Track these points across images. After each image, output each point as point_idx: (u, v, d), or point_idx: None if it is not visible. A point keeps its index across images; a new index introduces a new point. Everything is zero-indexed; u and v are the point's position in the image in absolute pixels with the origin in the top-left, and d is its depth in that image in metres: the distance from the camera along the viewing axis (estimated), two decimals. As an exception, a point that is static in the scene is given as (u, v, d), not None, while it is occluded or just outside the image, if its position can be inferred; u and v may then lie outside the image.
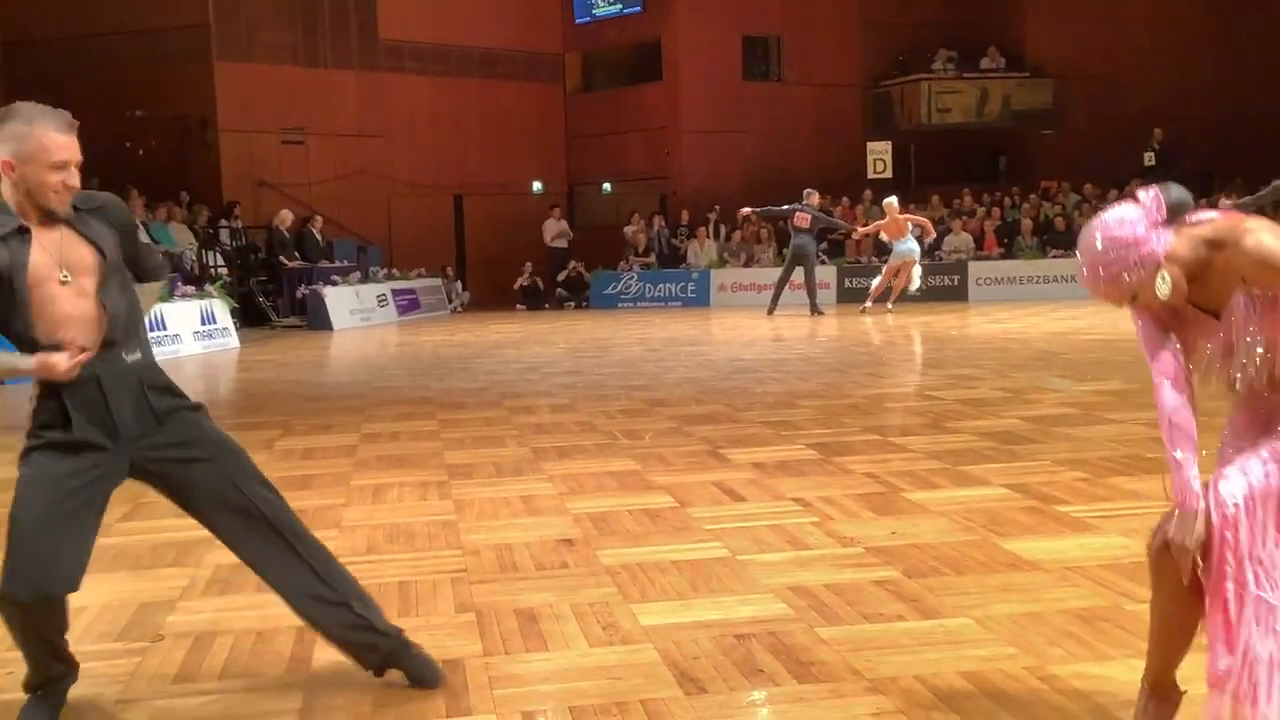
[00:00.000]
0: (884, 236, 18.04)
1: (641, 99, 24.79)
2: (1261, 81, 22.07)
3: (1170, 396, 2.57)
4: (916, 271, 17.73)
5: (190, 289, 15.59)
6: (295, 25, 22.11)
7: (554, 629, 3.69)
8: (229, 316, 16.09)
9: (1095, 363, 10.50)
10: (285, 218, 19.36)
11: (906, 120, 24.62)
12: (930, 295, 19.97)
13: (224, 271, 18.61)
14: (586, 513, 5.24)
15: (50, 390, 2.97)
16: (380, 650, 3.23)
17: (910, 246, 17.52)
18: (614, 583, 4.16)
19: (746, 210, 19.12)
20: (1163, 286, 2.49)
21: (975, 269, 20.95)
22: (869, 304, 17.83)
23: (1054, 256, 20.79)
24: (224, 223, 19.80)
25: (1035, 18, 24.27)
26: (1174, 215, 2.51)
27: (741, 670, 3.28)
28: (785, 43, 24.91)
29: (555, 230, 23.40)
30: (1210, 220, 2.53)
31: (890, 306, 17.92)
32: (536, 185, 25.05)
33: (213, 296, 15.80)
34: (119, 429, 3.00)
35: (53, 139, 2.90)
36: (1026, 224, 21.51)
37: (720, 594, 4.00)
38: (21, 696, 3.14)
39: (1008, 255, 21.25)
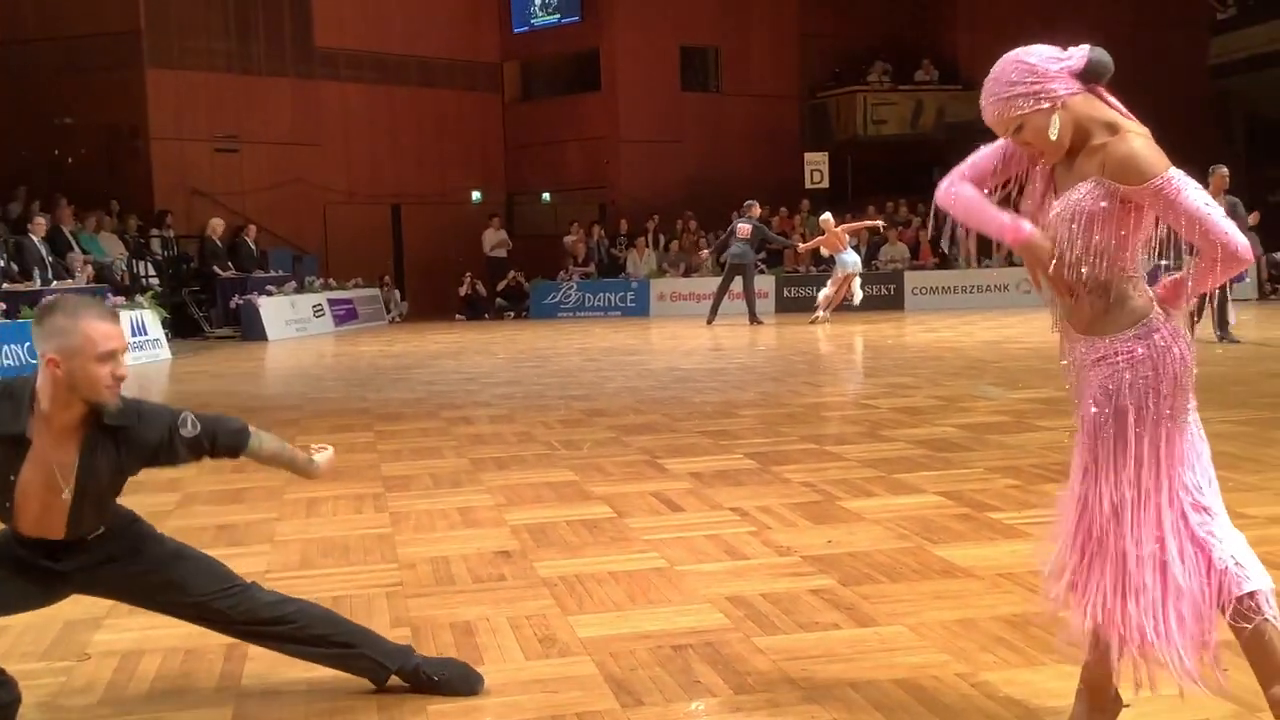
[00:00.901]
0: (824, 251, 18.19)
1: (580, 109, 24.81)
2: (1190, 91, 22.54)
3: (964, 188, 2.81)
4: (857, 283, 17.91)
5: (120, 299, 15.30)
6: (229, 32, 21.83)
7: (490, 642, 3.67)
8: (160, 327, 15.82)
9: (1027, 371, 10.66)
10: (217, 226, 19.10)
11: (843, 131, 24.89)
12: (867, 304, 20.09)
13: (155, 281, 18.30)
14: (524, 524, 5.22)
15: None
16: (383, 678, 3.25)
17: (851, 259, 17.70)
18: (551, 595, 4.14)
19: (705, 253, 19.71)
20: (1053, 128, 2.55)
21: (911, 278, 21.20)
22: (822, 313, 17.85)
23: (987, 266, 21.08)
24: (155, 232, 19.49)
25: (967, 30, 24.63)
26: (1090, 74, 2.59)
27: (678, 681, 3.28)
28: (723, 54, 25.08)
29: (494, 240, 23.31)
30: (1118, 108, 2.60)
31: (825, 315, 18.06)
32: (475, 195, 24.95)
33: (143, 307, 15.53)
34: (69, 581, 3.10)
35: (98, 329, 2.83)
36: (961, 234, 21.75)
37: (658, 605, 4.00)
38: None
39: (942, 265, 21.52)
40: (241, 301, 18.22)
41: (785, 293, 21.13)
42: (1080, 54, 2.60)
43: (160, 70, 20.75)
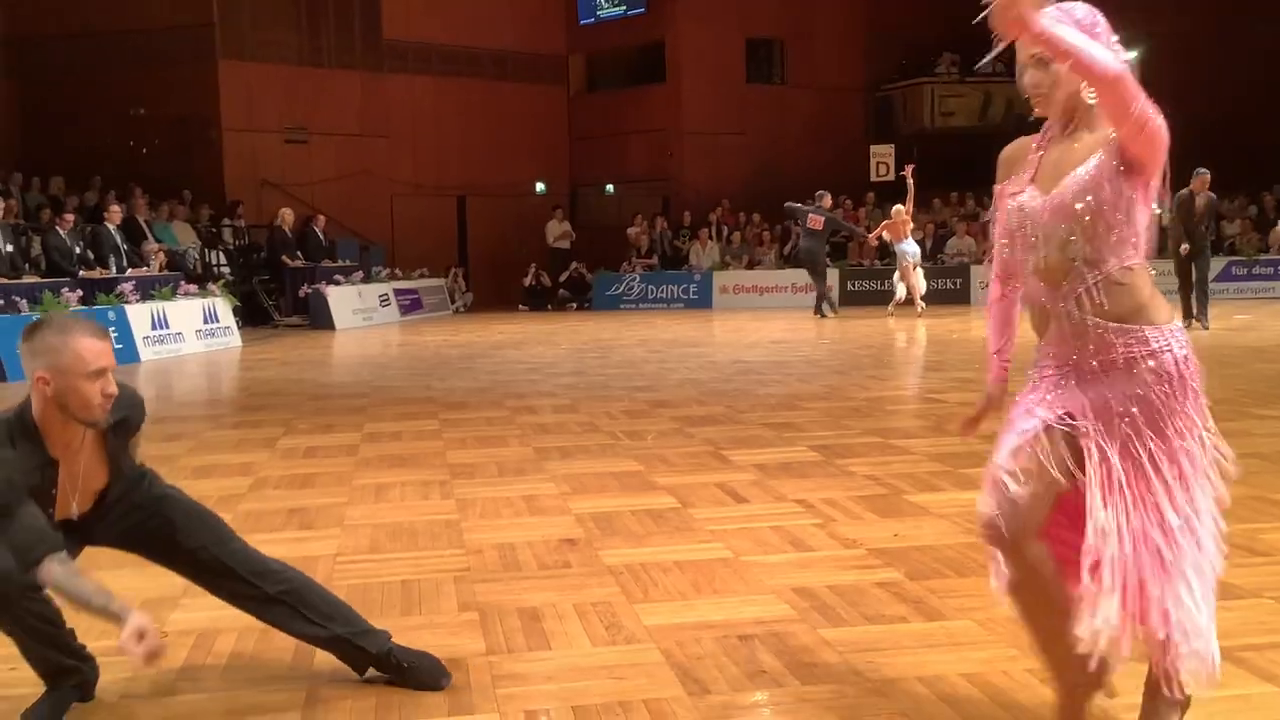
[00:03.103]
0: (886, 236, 18.04)
1: (644, 101, 24.80)
2: (1263, 81, 22.04)
3: None
4: (920, 274, 17.75)
5: (193, 288, 15.61)
6: (299, 24, 22.12)
7: (557, 628, 3.70)
8: (231, 315, 16.10)
9: (1097, 367, 10.49)
10: (287, 217, 19.37)
11: (909, 123, 24.65)
12: (933, 298, 19.91)
13: (226, 270, 18.62)
14: (589, 513, 5.24)
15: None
16: (366, 663, 3.27)
17: (911, 249, 17.54)
18: (616, 583, 4.16)
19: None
20: (1091, 92, 2.50)
21: (978, 272, 20.93)
22: (920, 304, 17.71)
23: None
24: (227, 221, 19.82)
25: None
26: None
27: (744, 671, 3.29)
28: (788, 45, 24.93)
29: (558, 231, 23.41)
30: None
31: (891, 310, 17.91)
32: (539, 186, 25.06)
33: (215, 295, 15.81)
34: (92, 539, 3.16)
35: (87, 346, 2.87)
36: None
37: (723, 595, 4.01)
38: (25, 691, 3.15)
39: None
40: (310, 291, 18.47)
41: (850, 286, 20.98)
42: (1127, 54, 2.54)
43: (232, 62, 21.08)
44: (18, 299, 12.45)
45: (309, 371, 12.57)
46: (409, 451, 7.01)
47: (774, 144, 23.86)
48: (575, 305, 22.68)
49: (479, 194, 24.38)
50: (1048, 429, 2.61)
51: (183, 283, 15.50)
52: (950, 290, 20.68)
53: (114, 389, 2.92)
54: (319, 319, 18.23)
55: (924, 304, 17.81)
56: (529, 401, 9.17)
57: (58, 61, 20.13)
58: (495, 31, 24.10)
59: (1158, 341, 2.53)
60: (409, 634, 3.67)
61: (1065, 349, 2.62)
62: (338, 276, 19.02)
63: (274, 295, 19.38)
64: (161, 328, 14.03)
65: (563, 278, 23.06)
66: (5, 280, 12.84)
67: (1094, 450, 2.56)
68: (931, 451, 6.47)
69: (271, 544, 4.73)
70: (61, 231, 14.40)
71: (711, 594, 4.02)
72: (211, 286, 16.16)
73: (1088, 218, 2.51)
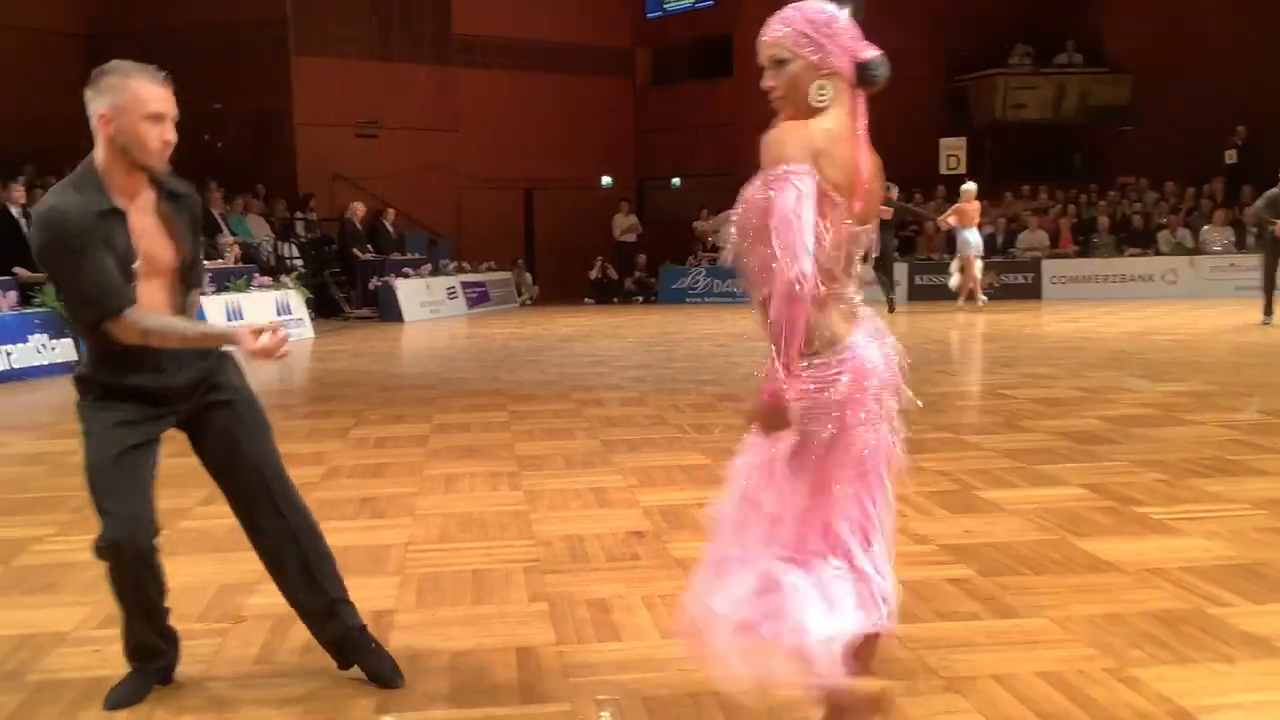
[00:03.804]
0: (953, 220, 17.79)
1: (711, 94, 24.73)
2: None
3: None
4: (978, 266, 17.52)
5: (267, 280, 15.87)
6: (370, 19, 22.36)
7: (626, 620, 3.70)
8: (304, 307, 16.34)
9: (1174, 363, 10.29)
10: (358, 210, 19.60)
11: (981, 116, 24.29)
12: (1003, 293, 19.70)
13: (299, 263, 18.89)
14: (657, 506, 5.24)
15: (108, 360, 3.01)
16: (335, 634, 3.24)
17: (975, 239, 17.30)
18: (685, 576, 4.15)
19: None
20: (820, 93, 2.46)
21: (1049, 267, 20.64)
22: (983, 299, 17.55)
23: (1131, 255, 20.43)
24: (299, 215, 20.10)
25: (1114, 11, 23.79)
26: (862, 72, 2.52)
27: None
28: (858, 38, 24.69)
29: (624, 225, 23.44)
30: (860, 119, 2.49)
31: (963, 304, 17.69)
32: (606, 180, 25.10)
33: (288, 288, 16.06)
34: (172, 395, 3.08)
35: (149, 90, 2.93)
36: (1103, 221, 21.13)
37: (793, 589, 3.98)
38: (109, 673, 3.22)
39: (1083, 253, 20.90)
40: (380, 283, 18.69)
41: (917, 280, 20.76)
42: (870, 51, 2.53)
43: (305, 58, 21.37)
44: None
45: (379, 363, 12.71)
46: (478, 443, 7.06)
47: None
48: (641, 299, 22.69)
49: (545, 187, 24.48)
50: None
51: (256, 275, 15.77)
52: (1022, 285, 20.39)
53: (172, 136, 2.96)
54: (388, 311, 18.44)
55: (984, 297, 17.57)
56: (596, 394, 9.19)
57: (135, 57, 20.39)
58: (563, 25, 24.17)
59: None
60: (481, 623, 3.71)
61: None
62: (406, 269, 19.22)
63: (345, 288, 19.62)
64: (236, 319, 14.27)
65: (635, 273, 23.07)
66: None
67: None
68: (1004, 447, 6.38)
69: (344, 532, 4.82)
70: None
71: (781, 588, 4.00)
72: (284, 279, 16.41)
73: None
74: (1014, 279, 20.40)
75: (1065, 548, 4.38)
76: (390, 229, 20.04)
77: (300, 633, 3.59)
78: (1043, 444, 6.48)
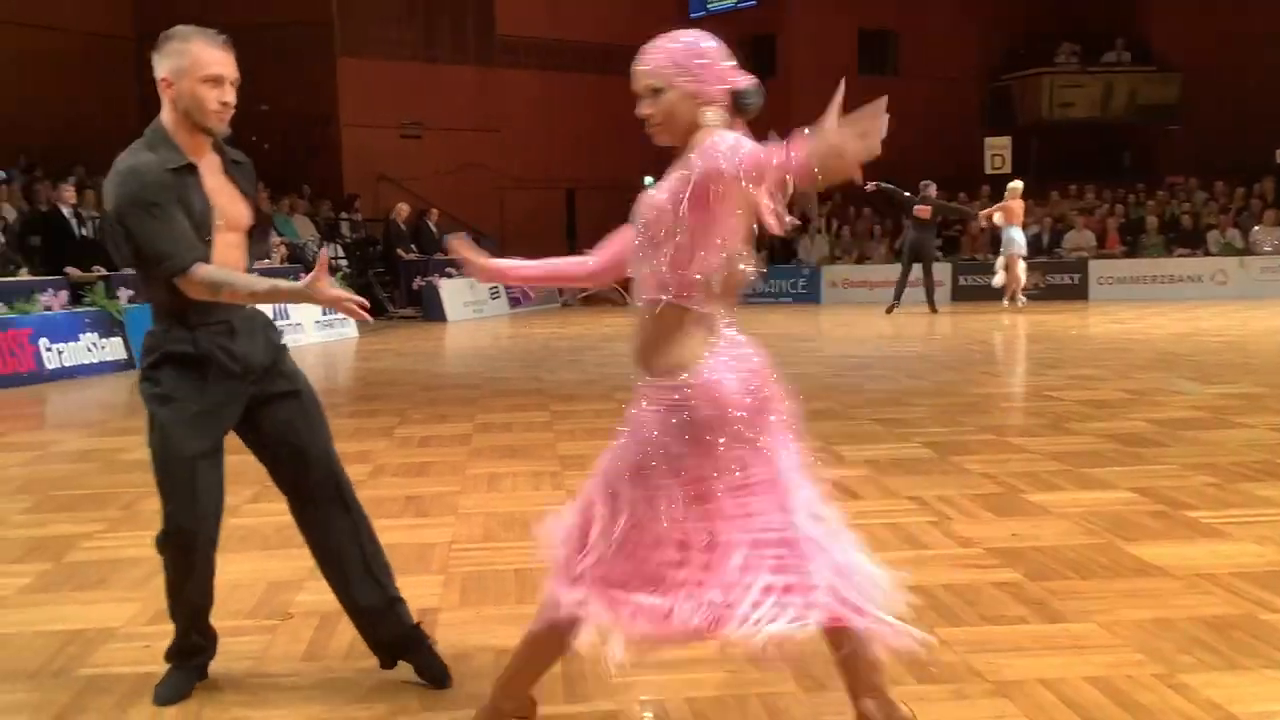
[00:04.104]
0: (997, 219, 17.65)
1: (752, 93, 24.62)
2: None
3: None
4: (1021, 267, 17.35)
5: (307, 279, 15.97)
6: (415, 21, 22.51)
7: (670, 620, 3.69)
8: (348, 307, 16.44)
9: (1223, 365, 10.14)
10: (402, 211, 19.73)
11: (1026, 115, 24.10)
12: (1049, 294, 19.52)
13: (344, 263, 19.04)
14: (700, 506, 5.23)
15: (180, 328, 3.02)
16: (392, 633, 3.24)
17: (1020, 238, 17.16)
18: (729, 576, 4.14)
19: (873, 185, 18.54)
20: (710, 119, 2.52)
21: (1096, 267, 20.40)
22: (1021, 299, 17.42)
23: (1180, 255, 20.17)
24: (344, 215, 20.27)
25: (1163, 9, 23.51)
26: (737, 100, 2.57)
27: (860, 668, 3.25)
28: (902, 36, 24.57)
29: (666, 225, 23.42)
30: (747, 158, 2.41)
31: (1007, 304, 17.54)
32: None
33: (333, 287, 16.16)
34: (248, 365, 3.08)
35: (206, 53, 2.97)
36: (1151, 221, 20.87)
37: (837, 591, 3.96)
38: (159, 669, 3.26)
39: (1131, 253, 20.66)
40: (423, 283, 18.80)
41: (961, 280, 20.61)
42: (745, 80, 2.58)
43: (350, 59, 21.54)
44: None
45: (423, 363, 12.80)
46: (520, 442, 7.09)
47: (886, 136, 23.44)
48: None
49: (587, 187, 24.52)
50: None
51: (302, 275, 15.85)
52: (1068, 285, 20.18)
53: (230, 98, 2.98)
54: (431, 311, 18.54)
55: (1025, 298, 17.41)
56: (638, 394, 9.18)
57: (185, 60, 20.82)
58: (606, 25, 24.19)
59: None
60: (525, 622, 3.68)
61: None
62: (450, 269, 19.31)
63: (389, 287, 19.76)
64: (282, 319, 14.41)
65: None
66: (133, 271, 13.30)
67: None
68: (1050, 450, 6.32)
69: (389, 530, 4.84)
70: (187, 225, 14.88)
71: (825, 590, 3.98)
72: (330, 279, 16.52)
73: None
74: (1060, 279, 20.20)
75: (1113, 552, 4.33)
76: (434, 229, 20.16)
77: (348, 630, 3.62)
78: (1090, 446, 6.41)
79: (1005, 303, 17.44)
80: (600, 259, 2.91)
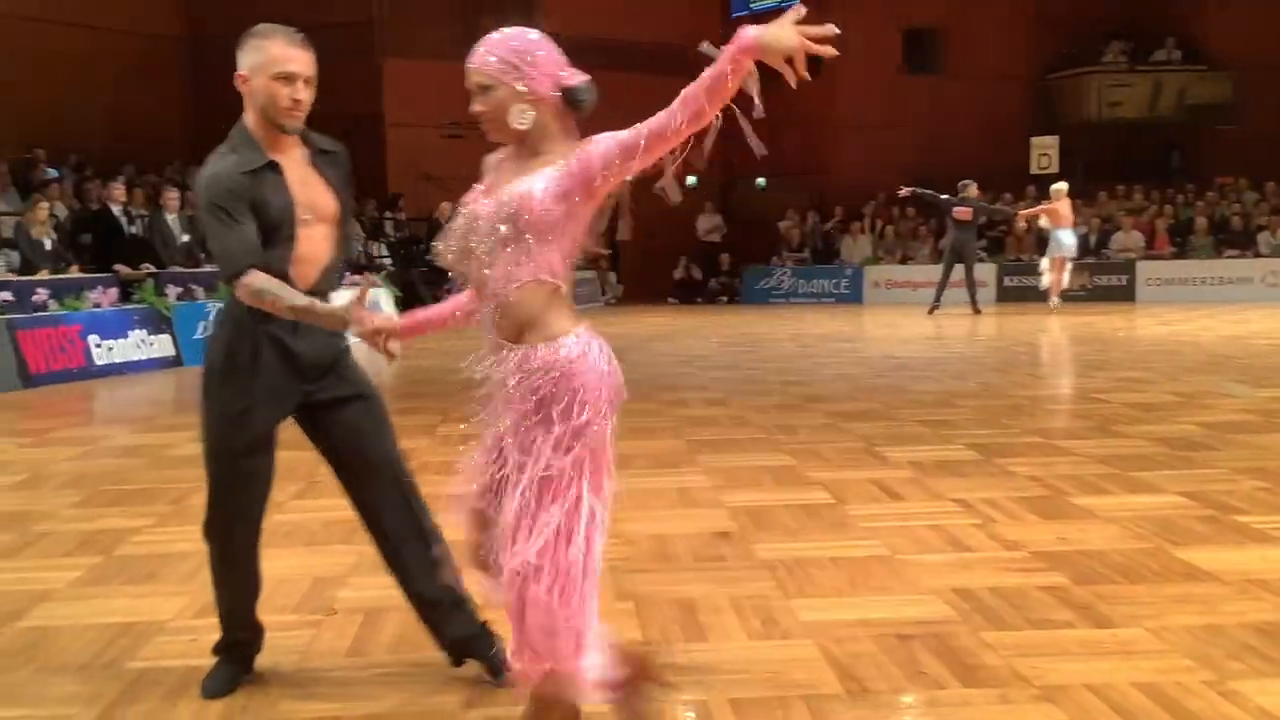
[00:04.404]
0: (1045, 222, 17.47)
1: (797, 92, 24.19)
2: None
3: None
4: (1069, 268, 17.15)
5: (357, 279, 16.10)
6: (459, 21, 22.60)
7: (713, 621, 3.70)
8: (393, 306, 16.56)
9: (1274, 368, 9.99)
10: (445, 210, 19.77)
11: (1074, 114, 23.81)
12: (1096, 295, 19.31)
13: (388, 261, 19.17)
14: (743, 506, 5.23)
15: (248, 321, 3.04)
16: (459, 632, 3.23)
17: (1069, 240, 16.94)
18: (772, 577, 4.14)
19: (906, 190, 18.44)
20: (521, 117, 2.54)
21: (1144, 269, 20.16)
22: (1055, 300, 17.26)
23: (1230, 257, 19.88)
24: (389, 214, 20.41)
25: (1215, 8, 23.14)
26: (570, 97, 2.60)
27: (904, 671, 3.23)
28: (948, 35, 24.36)
29: (708, 224, 23.40)
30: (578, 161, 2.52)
31: (1053, 305, 17.35)
32: (690, 179, 24.96)
33: (378, 286, 16.31)
34: (306, 363, 3.10)
35: (281, 50, 3.00)
36: (1201, 222, 20.58)
37: (880, 593, 3.95)
38: (205, 662, 3.30)
39: (1180, 255, 20.39)
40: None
41: (1006, 281, 20.43)
42: (577, 77, 2.61)
43: (395, 60, 21.68)
44: (195, 287, 13.07)
45: (464, 361, 12.82)
46: (563, 441, 7.08)
47: (931, 136, 23.34)
48: (725, 299, 22.63)
49: (629, 186, 24.49)
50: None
51: (348, 274, 16.02)
52: (1116, 286, 19.96)
53: (303, 95, 3.01)
54: (474, 310, 18.61)
55: (1059, 300, 17.21)
56: (680, 394, 9.19)
57: (231, 58, 21.01)
58: (649, 25, 24.18)
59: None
60: (567, 620, 3.71)
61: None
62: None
63: (432, 286, 19.84)
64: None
65: (717, 276, 23.01)
66: (183, 269, 13.47)
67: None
68: (1097, 453, 6.24)
69: (433, 528, 4.87)
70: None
71: (869, 592, 3.97)
72: (375, 278, 16.66)
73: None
74: (1107, 280, 19.98)
75: (1162, 557, 4.28)
76: (477, 229, 20.23)
77: (392, 626, 3.65)
78: (1138, 450, 6.33)
79: (1052, 303, 17.27)
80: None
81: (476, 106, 2.62)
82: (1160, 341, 12.91)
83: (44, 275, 11.90)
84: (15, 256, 12.55)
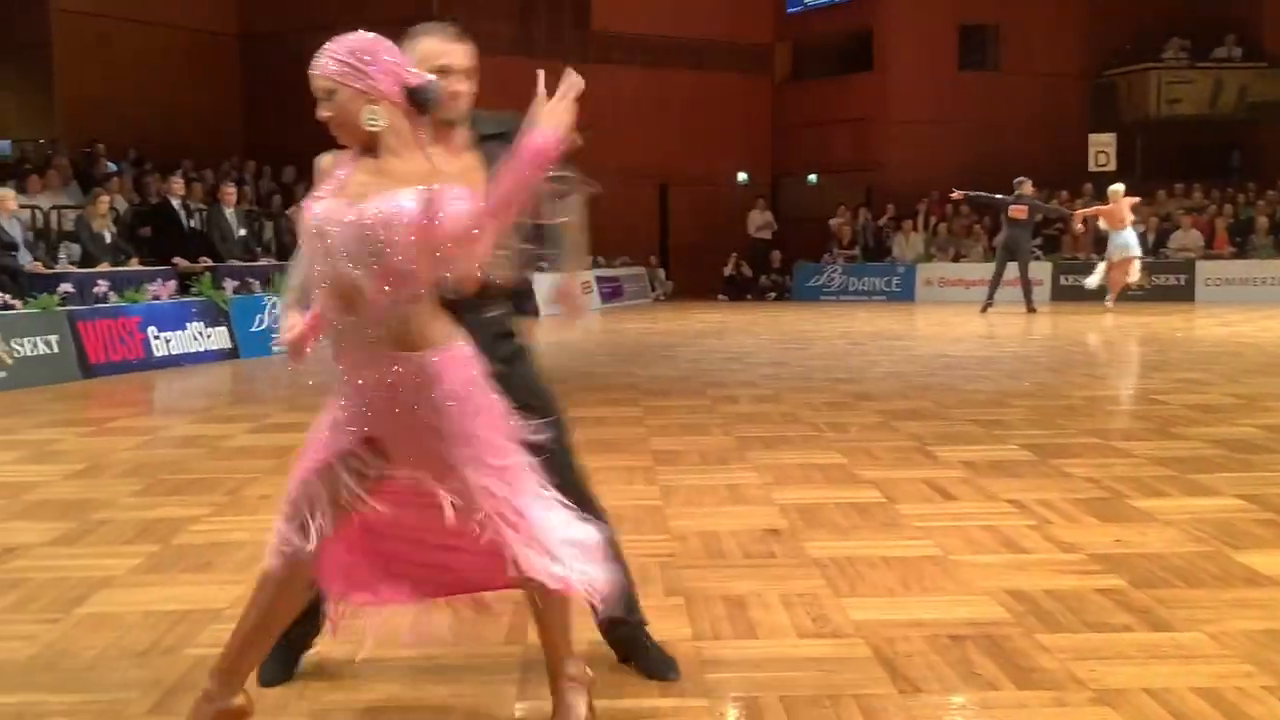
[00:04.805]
0: (1102, 224, 17.26)
1: (850, 89, 24.41)
2: None
3: None
4: (1136, 267, 16.89)
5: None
6: (513, 15, 22.70)
7: (763, 618, 3.68)
8: (442, 300, 16.67)
9: (1339, 371, 9.79)
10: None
11: (1132, 112, 23.48)
12: (1154, 295, 19.01)
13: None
14: (793, 504, 5.21)
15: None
16: (619, 630, 3.24)
17: (1129, 239, 16.70)
18: (822, 575, 4.12)
19: (958, 193, 18.30)
20: (373, 119, 2.57)
21: (1204, 268, 19.84)
22: (1109, 301, 17.07)
23: (1291, 258, 19.52)
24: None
25: (1276, 4, 22.72)
26: (415, 97, 2.62)
27: (957, 672, 3.20)
28: (1004, 31, 24.10)
29: (759, 221, 23.33)
30: (423, 143, 2.61)
31: (1109, 304, 17.13)
32: (741, 176, 25.01)
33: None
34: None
35: (431, 45, 3.01)
36: (1262, 222, 20.21)
37: (933, 593, 3.92)
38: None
39: (1240, 255, 20.03)
40: (516, 277, 18.94)
41: (1062, 280, 20.18)
42: (420, 78, 2.61)
43: (450, 55, 21.80)
44: (252, 281, 13.23)
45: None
46: (613, 437, 7.11)
47: (986, 133, 23.11)
48: (774, 295, 22.56)
49: (681, 183, 24.50)
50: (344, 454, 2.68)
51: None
52: (1174, 286, 19.66)
53: (459, 87, 3.01)
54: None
55: (1111, 301, 16.98)
56: (730, 391, 9.17)
57: (283, 57, 21.24)
58: (702, 21, 24.14)
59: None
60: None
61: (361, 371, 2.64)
62: (542, 264, 19.43)
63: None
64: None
65: (768, 273, 22.93)
66: (240, 263, 13.64)
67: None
68: (1156, 455, 6.15)
69: (484, 521, 4.90)
70: (293, 218, 15.25)
71: (921, 592, 3.93)
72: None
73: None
74: (1166, 280, 19.67)
75: (1222, 560, 4.21)
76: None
77: (445, 616, 3.66)
78: (1197, 452, 6.23)
79: (1111, 302, 17.05)
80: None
81: (323, 112, 2.64)
82: (1220, 342, 12.69)
83: (104, 268, 12.11)
84: (76, 249, 12.79)
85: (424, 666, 3.35)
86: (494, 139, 3.13)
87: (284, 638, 3.28)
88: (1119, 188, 16.88)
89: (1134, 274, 16.86)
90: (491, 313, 3.21)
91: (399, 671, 3.32)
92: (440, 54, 3.00)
